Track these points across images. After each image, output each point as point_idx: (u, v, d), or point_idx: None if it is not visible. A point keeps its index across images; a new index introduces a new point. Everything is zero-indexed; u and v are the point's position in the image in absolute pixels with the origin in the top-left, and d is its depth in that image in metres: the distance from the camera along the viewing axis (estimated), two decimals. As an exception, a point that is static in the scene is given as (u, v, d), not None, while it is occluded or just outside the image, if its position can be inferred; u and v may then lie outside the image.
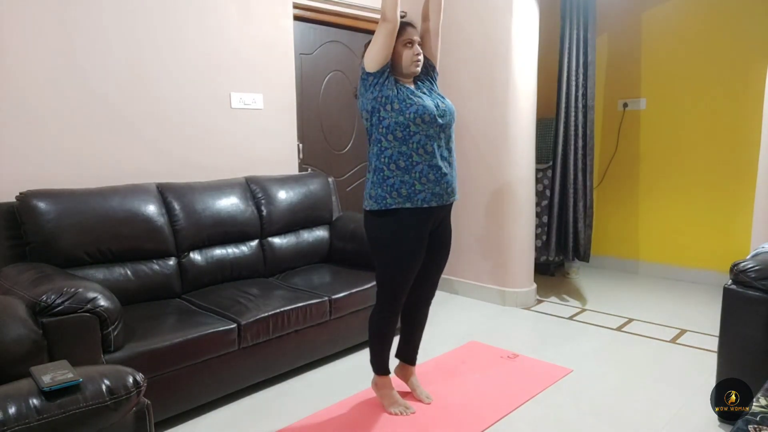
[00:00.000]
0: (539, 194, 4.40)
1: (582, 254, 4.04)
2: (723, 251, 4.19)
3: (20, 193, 2.45)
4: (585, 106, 3.92)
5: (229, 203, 3.06)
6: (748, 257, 2.41)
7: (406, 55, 2.21)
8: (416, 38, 2.24)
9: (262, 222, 3.21)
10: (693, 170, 4.35)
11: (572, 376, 2.78)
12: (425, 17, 2.39)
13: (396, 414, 2.37)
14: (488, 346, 3.17)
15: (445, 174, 2.20)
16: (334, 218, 3.60)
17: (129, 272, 2.64)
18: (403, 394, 2.53)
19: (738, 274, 2.23)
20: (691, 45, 4.25)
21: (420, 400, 2.51)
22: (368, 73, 2.17)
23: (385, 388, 2.44)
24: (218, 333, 2.39)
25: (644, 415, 2.40)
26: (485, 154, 3.89)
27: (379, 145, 2.17)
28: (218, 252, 3.01)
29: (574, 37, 3.88)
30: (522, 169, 3.82)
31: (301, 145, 3.89)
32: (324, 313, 2.81)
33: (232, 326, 2.44)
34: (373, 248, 2.28)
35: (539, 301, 4.02)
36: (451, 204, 2.32)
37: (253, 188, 3.25)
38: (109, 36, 2.85)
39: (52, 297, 1.87)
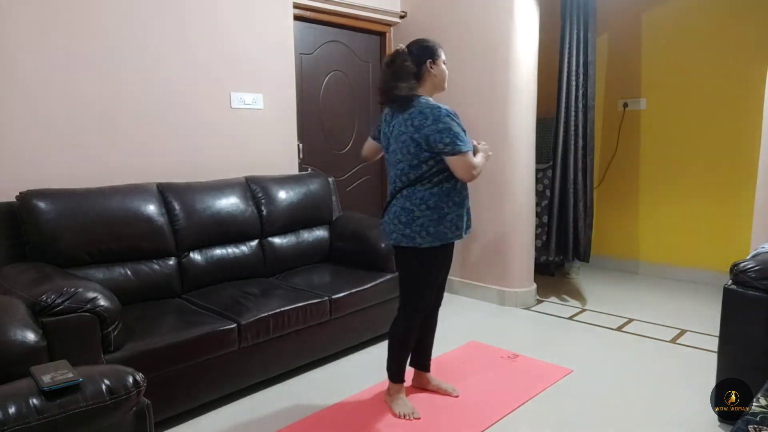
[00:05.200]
0: (539, 194, 4.40)
1: (582, 254, 4.04)
2: (723, 251, 4.19)
3: (20, 193, 2.45)
4: (585, 106, 3.92)
5: (229, 203, 3.06)
6: (748, 257, 2.40)
7: (446, 72, 2.31)
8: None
9: (262, 222, 3.21)
10: (693, 170, 4.35)
11: (572, 376, 2.78)
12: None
13: (402, 417, 2.39)
14: (488, 346, 3.17)
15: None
16: (334, 218, 3.60)
17: (129, 272, 2.64)
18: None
19: (738, 274, 2.22)
20: (691, 45, 4.25)
21: (448, 394, 2.58)
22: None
23: (398, 394, 2.47)
24: (218, 333, 2.39)
25: (644, 415, 2.40)
26: (485, 154, 3.89)
27: (441, 185, 2.29)
28: (218, 252, 3.01)
29: (574, 37, 3.87)
30: (522, 169, 3.82)
31: (301, 145, 3.89)
32: (324, 313, 2.81)
33: (232, 326, 2.44)
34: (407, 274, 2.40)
35: (539, 301, 4.02)
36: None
37: (253, 188, 3.25)
38: (108, 37, 2.85)
39: (52, 297, 1.88)
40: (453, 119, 2.16)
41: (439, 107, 2.17)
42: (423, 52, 2.23)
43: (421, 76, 2.22)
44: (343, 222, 3.55)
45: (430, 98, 2.25)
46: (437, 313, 2.61)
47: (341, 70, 4.15)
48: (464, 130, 2.21)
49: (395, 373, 2.46)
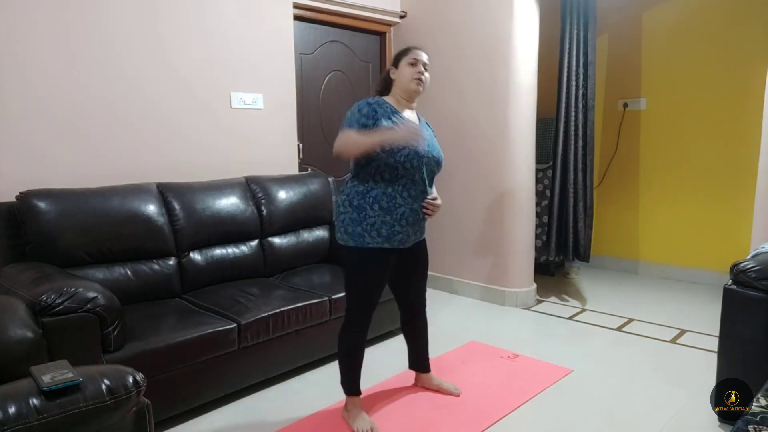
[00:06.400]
0: (539, 194, 4.40)
1: (582, 254, 4.04)
2: (723, 251, 4.19)
3: (20, 193, 2.45)
4: (585, 106, 3.92)
5: (229, 203, 3.06)
6: (748, 257, 2.40)
7: (409, 72, 2.21)
8: (423, 59, 2.24)
9: (262, 222, 3.21)
10: (693, 170, 4.35)
11: (572, 376, 2.78)
12: None
13: None
14: (488, 346, 3.17)
15: (421, 218, 2.24)
16: (334, 218, 3.60)
17: (129, 272, 2.64)
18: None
19: (738, 274, 2.22)
20: (691, 45, 4.25)
21: (450, 393, 2.57)
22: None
23: (355, 409, 2.34)
24: (218, 333, 2.39)
25: (644, 415, 2.40)
26: (485, 154, 3.89)
27: (365, 184, 2.17)
28: (218, 252, 3.01)
29: (574, 37, 3.87)
30: (522, 170, 3.82)
31: (301, 145, 3.89)
32: (324, 313, 2.81)
33: (232, 326, 2.44)
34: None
35: (539, 301, 4.02)
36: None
37: (253, 188, 3.25)
38: (108, 37, 2.85)
39: (52, 297, 1.87)
40: (360, 109, 2.15)
41: (363, 101, 2.20)
42: (393, 61, 2.31)
43: (389, 83, 2.29)
44: (343, 222, 3.55)
45: (387, 98, 2.26)
46: (424, 316, 2.58)
47: (341, 70, 4.15)
48: (374, 118, 2.14)
49: (346, 386, 2.35)
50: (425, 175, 2.21)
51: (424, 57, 2.25)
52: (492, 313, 3.79)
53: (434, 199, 2.26)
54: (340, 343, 2.34)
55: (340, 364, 2.36)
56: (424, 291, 2.55)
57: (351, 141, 2.08)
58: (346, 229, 2.19)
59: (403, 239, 2.21)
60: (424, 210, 2.23)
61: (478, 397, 2.56)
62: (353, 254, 2.20)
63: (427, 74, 2.25)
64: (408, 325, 2.58)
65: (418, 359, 2.63)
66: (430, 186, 2.27)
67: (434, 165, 2.24)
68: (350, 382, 2.36)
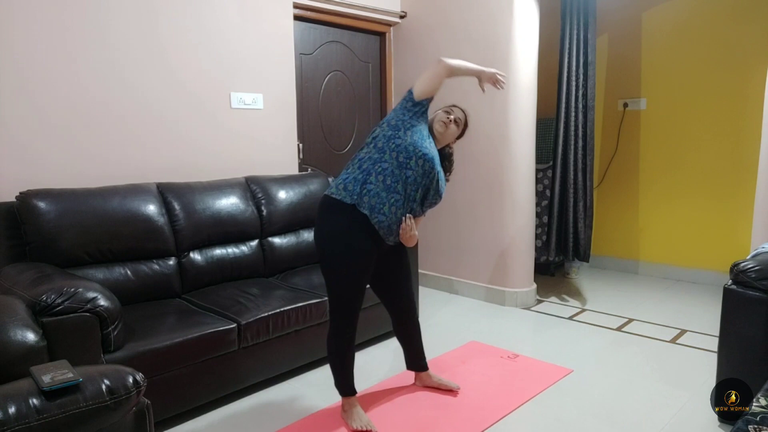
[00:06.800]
0: (539, 194, 4.40)
1: (582, 254, 4.04)
2: (723, 251, 4.19)
3: (20, 193, 2.45)
4: (585, 106, 3.92)
5: (229, 203, 3.06)
6: (748, 257, 2.40)
7: (439, 114, 2.34)
8: (456, 113, 2.35)
9: (262, 222, 3.21)
10: (693, 170, 4.35)
11: (572, 376, 2.78)
12: None
13: (359, 430, 2.29)
14: (488, 346, 3.17)
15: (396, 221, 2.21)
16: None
17: (129, 272, 2.64)
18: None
19: (738, 274, 2.22)
20: (691, 45, 4.25)
21: (450, 389, 2.60)
22: (412, 100, 2.24)
23: (352, 408, 2.36)
24: (218, 333, 2.39)
25: (644, 415, 2.40)
26: (485, 154, 3.89)
27: (381, 154, 2.19)
28: (218, 252, 3.01)
29: (574, 37, 3.88)
30: (522, 169, 3.82)
31: (301, 145, 3.89)
32: (324, 313, 2.81)
33: (232, 326, 2.44)
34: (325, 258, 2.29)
35: (539, 301, 4.02)
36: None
37: (253, 188, 3.25)
38: (108, 37, 2.85)
39: (52, 297, 1.87)
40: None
41: None
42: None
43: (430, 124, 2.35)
44: (343, 222, 3.55)
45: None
46: (415, 319, 2.59)
47: (341, 70, 4.15)
48: (423, 109, 2.28)
49: (340, 387, 2.37)
50: (422, 191, 2.23)
51: (458, 113, 2.38)
52: (492, 313, 3.79)
53: (412, 224, 2.25)
54: (330, 345, 2.34)
55: (331, 367, 2.37)
56: (412, 295, 2.55)
57: (458, 60, 2.29)
58: (346, 186, 2.19)
59: (381, 221, 2.16)
60: (402, 223, 2.21)
61: (478, 397, 2.56)
62: (343, 214, 2.17)
63: (453, 126, 2.33)
64: (399, 328, 2.59)
65: (415, 359, 2.64)
66: (421, 207, 2.29)
67: (435, 189, 2.25)
68: (344, 384, 2.37)
